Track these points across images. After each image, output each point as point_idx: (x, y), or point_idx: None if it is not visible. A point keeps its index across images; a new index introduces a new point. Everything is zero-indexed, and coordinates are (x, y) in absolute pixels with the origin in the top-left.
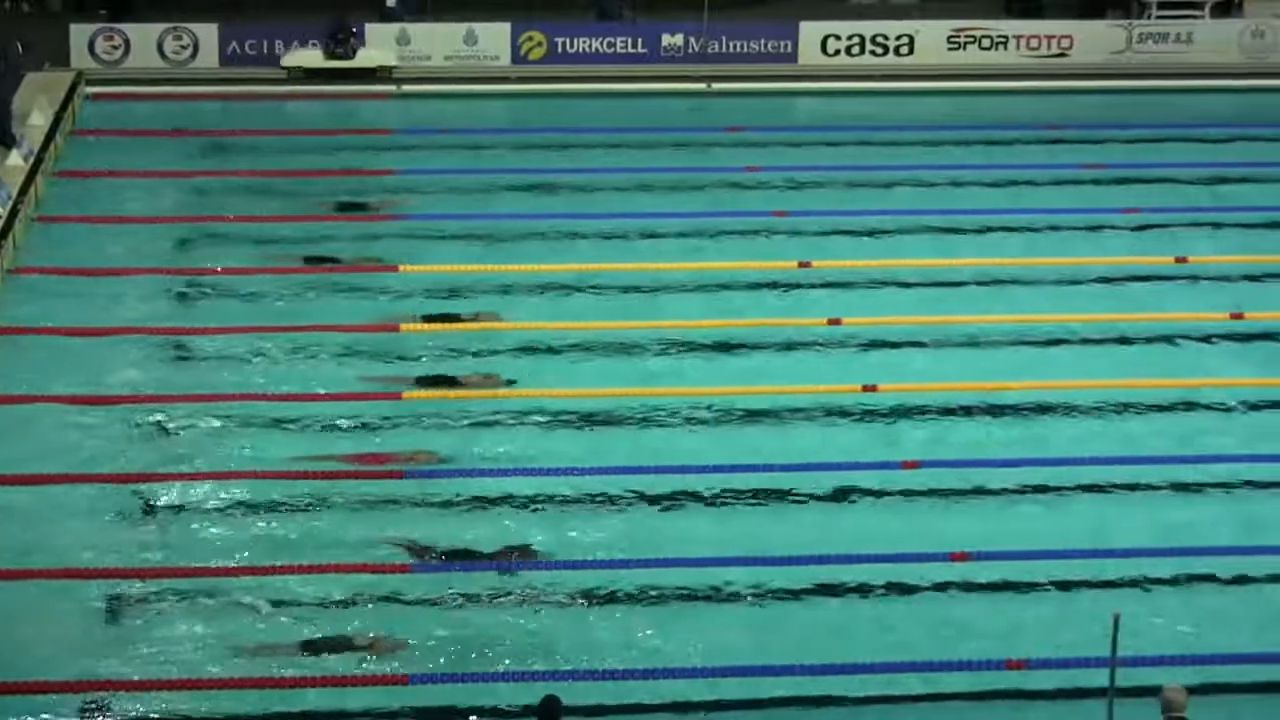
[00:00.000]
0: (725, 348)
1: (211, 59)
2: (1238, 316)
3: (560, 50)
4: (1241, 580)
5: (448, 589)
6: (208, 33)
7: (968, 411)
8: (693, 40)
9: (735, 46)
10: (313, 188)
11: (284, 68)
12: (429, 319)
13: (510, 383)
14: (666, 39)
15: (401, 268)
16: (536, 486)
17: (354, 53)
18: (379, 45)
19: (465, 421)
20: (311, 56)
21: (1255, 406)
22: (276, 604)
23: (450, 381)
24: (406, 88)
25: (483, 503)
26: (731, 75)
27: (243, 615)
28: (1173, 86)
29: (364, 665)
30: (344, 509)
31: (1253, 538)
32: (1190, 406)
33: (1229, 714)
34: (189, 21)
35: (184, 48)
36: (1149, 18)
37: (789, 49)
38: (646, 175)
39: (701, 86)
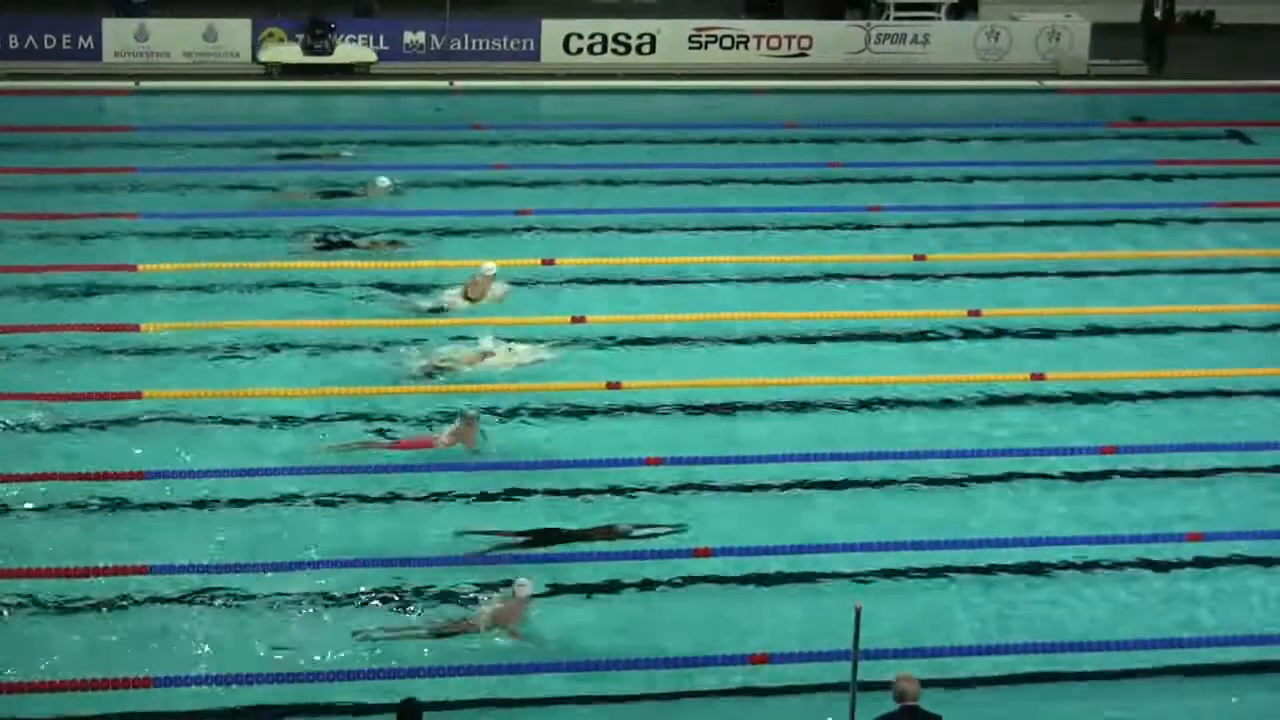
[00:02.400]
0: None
1: None
2: (975, 314)
3: None
4: (950, 571)
5: (185, 589)
6: None
7: (712, 409)
8: (435, 38)
9: (478, 44)
10: (56, 183)
11: (261, 63)
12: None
13: None
14: (409, 36)
15: (140, 267)
16: (254, 488)
17: (333, 49)
18: (349, 43)
19: (203, 421)
20: (290, 52)
21: (990, 401)
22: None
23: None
24: (145, 84)
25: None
26: (474, 73)
27: None
28: (911, 87)
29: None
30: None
31: (971, 532)
32: (939, 404)
33: (959, 702)
34: None
35: None
36: (887, 19)
37: (531, 47)
38: (390, 173)
39: (444, 84)
